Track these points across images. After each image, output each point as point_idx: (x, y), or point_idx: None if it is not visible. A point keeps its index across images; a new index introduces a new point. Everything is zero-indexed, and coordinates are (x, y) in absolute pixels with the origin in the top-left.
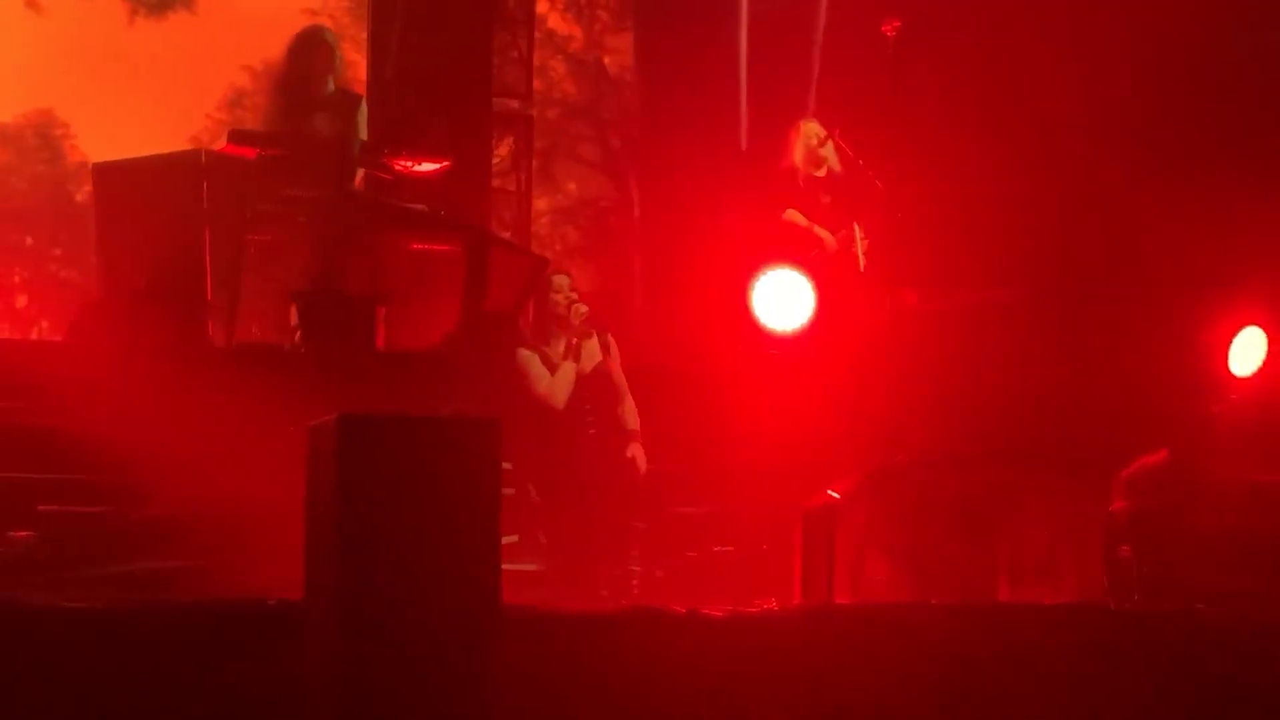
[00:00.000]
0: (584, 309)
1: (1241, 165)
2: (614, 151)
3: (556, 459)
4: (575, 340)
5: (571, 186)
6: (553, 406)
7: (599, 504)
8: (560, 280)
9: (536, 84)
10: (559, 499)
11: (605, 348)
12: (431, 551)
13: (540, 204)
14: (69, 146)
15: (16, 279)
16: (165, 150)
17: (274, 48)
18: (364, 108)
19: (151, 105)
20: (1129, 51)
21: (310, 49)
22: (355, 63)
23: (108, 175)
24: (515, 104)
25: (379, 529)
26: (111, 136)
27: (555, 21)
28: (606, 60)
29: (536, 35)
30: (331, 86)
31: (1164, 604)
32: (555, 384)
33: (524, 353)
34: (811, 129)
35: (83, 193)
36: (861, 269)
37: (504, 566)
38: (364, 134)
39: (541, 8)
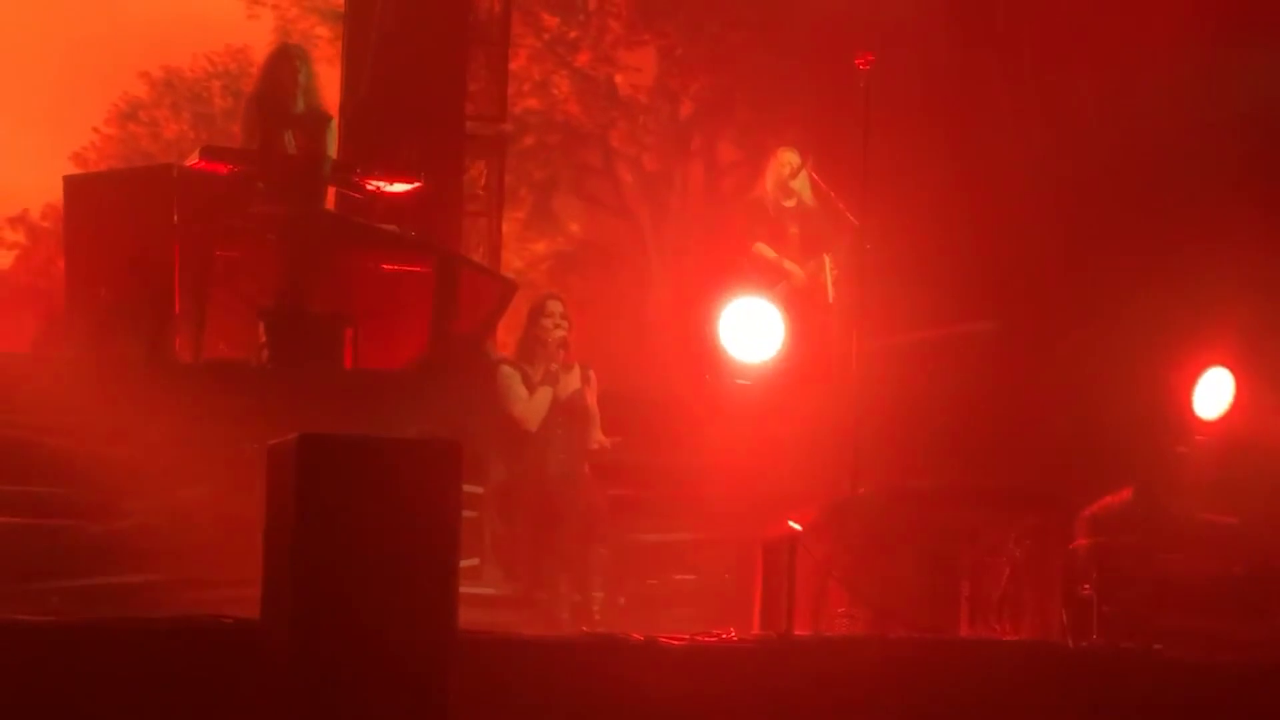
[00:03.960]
0: (562, 334)
1: (1211, 206)
2: (626, 187)
3: (521, 481)
4: (555, 366)
5: (574, 228)
6: (526, 428)
7: (560, 529)
8: (554, 305)
9: (534, 103)
10: (520, 522)
11: (585, 380)
12: (389, 572)
13: (539, 247)
14: None
15: None
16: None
17: (176, 54)
18: (334, 127)
19: (29, 117)
20: (1099, 93)
21: (276, 68)
22: (330, 80)
23: (77, 188)
24: (489, 127)
25: (337, 548)
26: None
27: (556, 25)
28: (618, 79)
29: (536, 44)
30: (301, 105)
31: (1123, 643)
32: (531, 405)
33: (506, 369)
34: (786, 158)
35: None
36: (830, 300)
37: (464, 590)
38: (333, 153)
39: (547, 19)
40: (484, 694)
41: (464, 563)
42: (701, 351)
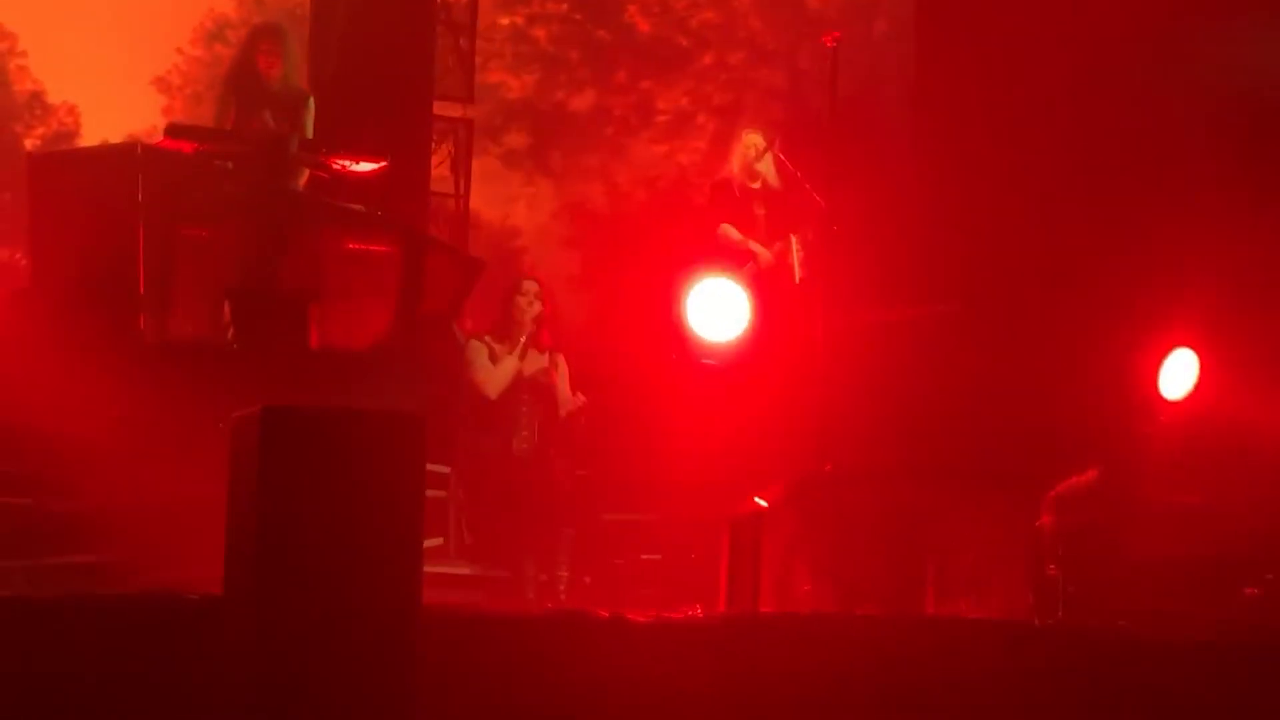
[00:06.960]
0: (536, 311)
1: (1177, 186)
2: (815, 116)
3: (488, 459)
4: (523, 338)
5: None
6: (485, 394)
7: (525, 507)
8: (528, 285)
9: (711, 15)
10: (486, 500)
11: (554, 364)
12: (353, 546)
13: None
14: (17, 71)
15: None
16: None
17: None
18: (311, 105)
19: (106, 38)
20: (1065, 72)
21: (258, 44)
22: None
23: (43, 165)
24: (456, 108)
25: (299, 522)
26: (62, 70)
27: None
28: None
29: None
30: (280, 84)
31: (1088, 621)
32: (494, 373)
33: (474, 343)
34: (751, 140)
35: (32, 135)
36: (797, 280)
37: (429, 569)
38: (310, 132)
39: None
40: (449, 670)
41: (429, 543)
42: (668, 332)
